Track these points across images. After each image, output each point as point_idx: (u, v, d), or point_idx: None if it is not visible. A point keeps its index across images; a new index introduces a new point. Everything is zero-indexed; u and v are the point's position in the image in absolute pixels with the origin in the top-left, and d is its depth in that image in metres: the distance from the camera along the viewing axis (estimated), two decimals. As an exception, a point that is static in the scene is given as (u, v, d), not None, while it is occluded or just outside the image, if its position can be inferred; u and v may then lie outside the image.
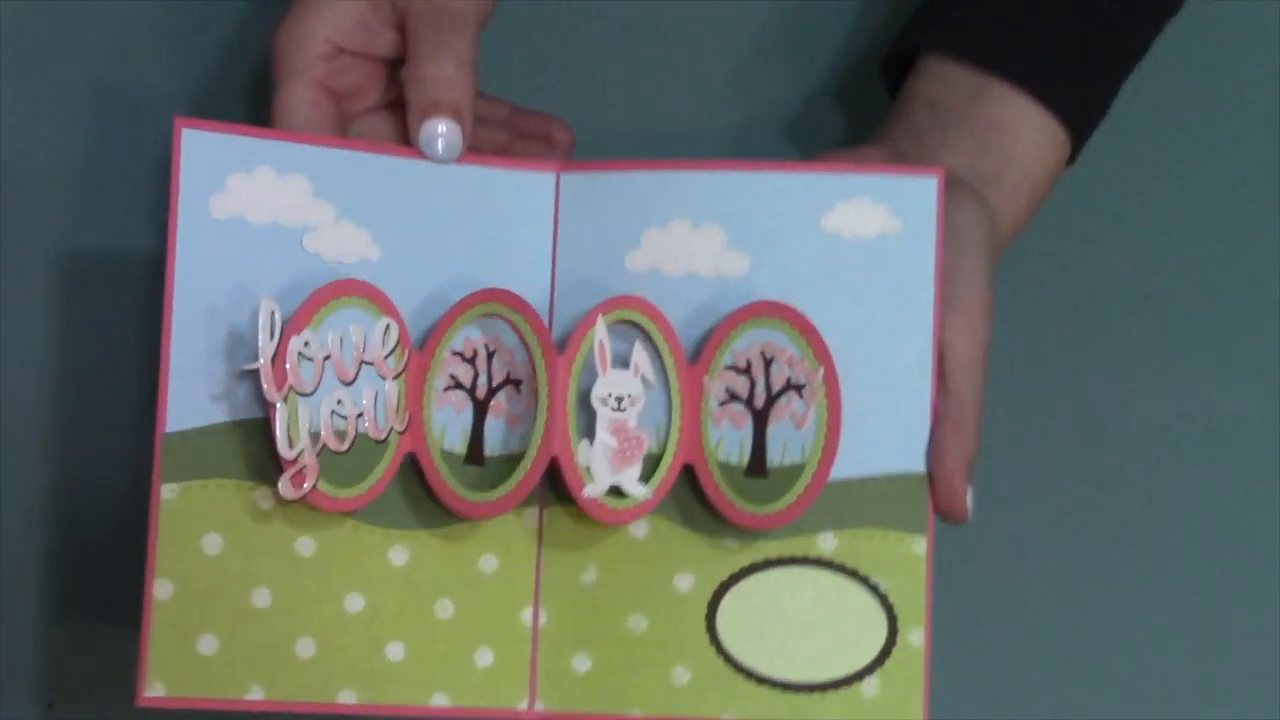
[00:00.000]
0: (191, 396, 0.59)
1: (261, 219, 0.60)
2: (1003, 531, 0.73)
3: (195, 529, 0.59)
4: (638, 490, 0.61)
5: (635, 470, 0.61)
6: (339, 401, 0.60)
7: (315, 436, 0.59)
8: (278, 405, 0.59)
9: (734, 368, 0.62)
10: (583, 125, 0.71)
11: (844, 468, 0.61)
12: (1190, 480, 0.73)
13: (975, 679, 0.73)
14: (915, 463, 0.61)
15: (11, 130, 0.74)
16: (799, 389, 0.61)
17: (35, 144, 0.74)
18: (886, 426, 0.61)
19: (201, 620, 0.59)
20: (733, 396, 0.62)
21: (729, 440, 0.62)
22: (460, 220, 0.63)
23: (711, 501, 0.61)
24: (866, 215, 0.62)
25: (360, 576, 0.61)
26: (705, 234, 0.62)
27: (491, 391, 0.62)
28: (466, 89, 0.62)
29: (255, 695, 0.60)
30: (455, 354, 0.62)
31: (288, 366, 0.59)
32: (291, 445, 0.59)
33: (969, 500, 0.61)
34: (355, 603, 0.61)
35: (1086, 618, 0.72)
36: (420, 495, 0.62)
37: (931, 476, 0.61)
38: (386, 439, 0.61)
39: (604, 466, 0.61)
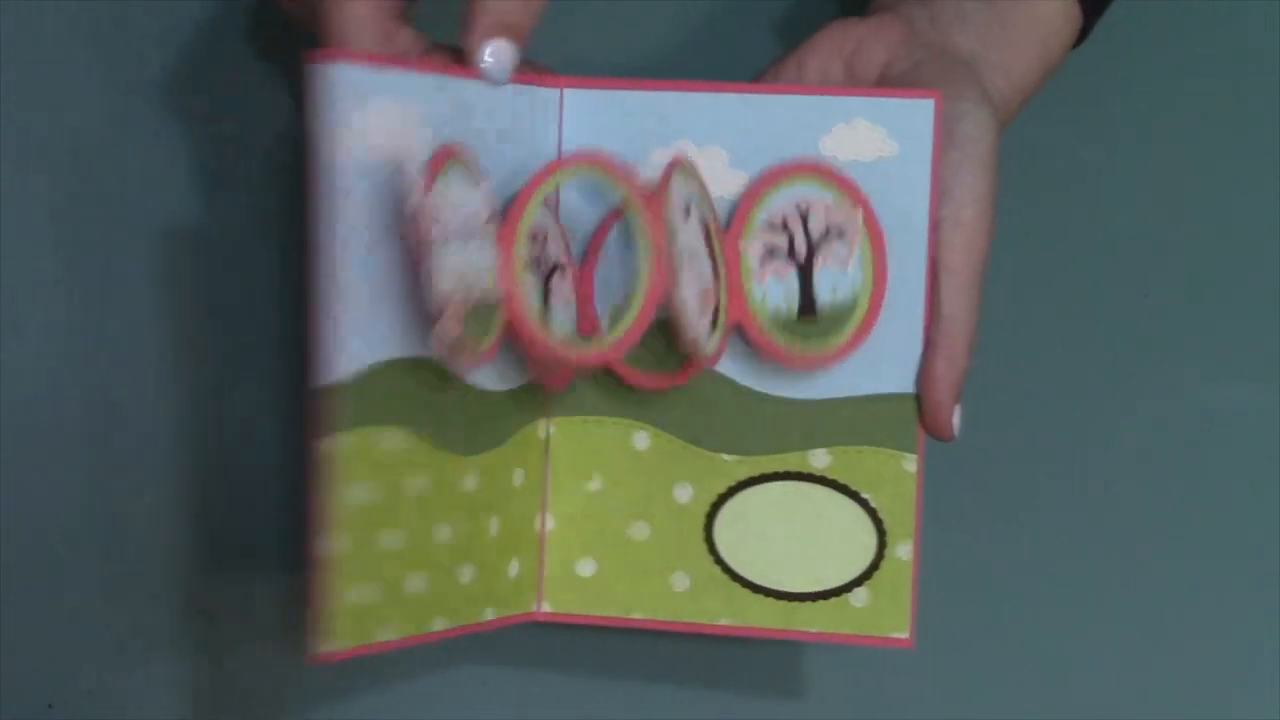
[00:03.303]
0: (353, 344, 0.57)
1: (381, 154, 0.58)
2: (998, 531, 0.73)
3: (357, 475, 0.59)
4: (710, 343, 0.62)
5: (708, 319, 0.62)
6: (465, 259, 0.58)
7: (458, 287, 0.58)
8: (434, 247, 0.57)
9: (770, 225, 0.63)
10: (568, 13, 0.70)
11: (837, 388, 0.63)
12: (1190, 480, 0.73)
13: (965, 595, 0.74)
14: (906, 384, 0.62)
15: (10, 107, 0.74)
16: (840, 233, 0.62)
17: (35, 119, 0.74)
18: (879, 349, 0.62)
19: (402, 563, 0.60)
20: (772, 253, 0.63)
21: (774, 293, 0.63)
22: (495, 140, 0.63)
23: (762, 349, 0.63)
24: (863, 138, 0.62)
25: (446, 506, 0.62)
26: (709, 155, 0.63)
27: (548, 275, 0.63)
28: (530, 12, 0.60)
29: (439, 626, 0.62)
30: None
31: (434, 216, 0.57)
32: (444, 290, 0.57)
33: (956, 422, 0.62)
34: (443, 533, 0.62)
35: (1085, 619, 0.73)
36: (475, 418, 0.63)
37: (920, 399, 0.62)
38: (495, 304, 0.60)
39: (695, 312, 0.61)
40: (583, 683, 0.73)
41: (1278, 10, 0.76)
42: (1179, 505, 0.73)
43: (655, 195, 0.61)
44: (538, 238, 0.62)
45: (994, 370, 0.73)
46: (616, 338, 0.61)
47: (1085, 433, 0.74)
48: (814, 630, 0.63)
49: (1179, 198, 0.75)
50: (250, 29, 0.74)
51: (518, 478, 0.64)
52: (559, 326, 0.62)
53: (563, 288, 0.63)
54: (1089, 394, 0.74)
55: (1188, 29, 0.76)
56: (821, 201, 0.62)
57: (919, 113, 0.61)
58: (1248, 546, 0.73)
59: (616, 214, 0.63)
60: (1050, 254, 0.75)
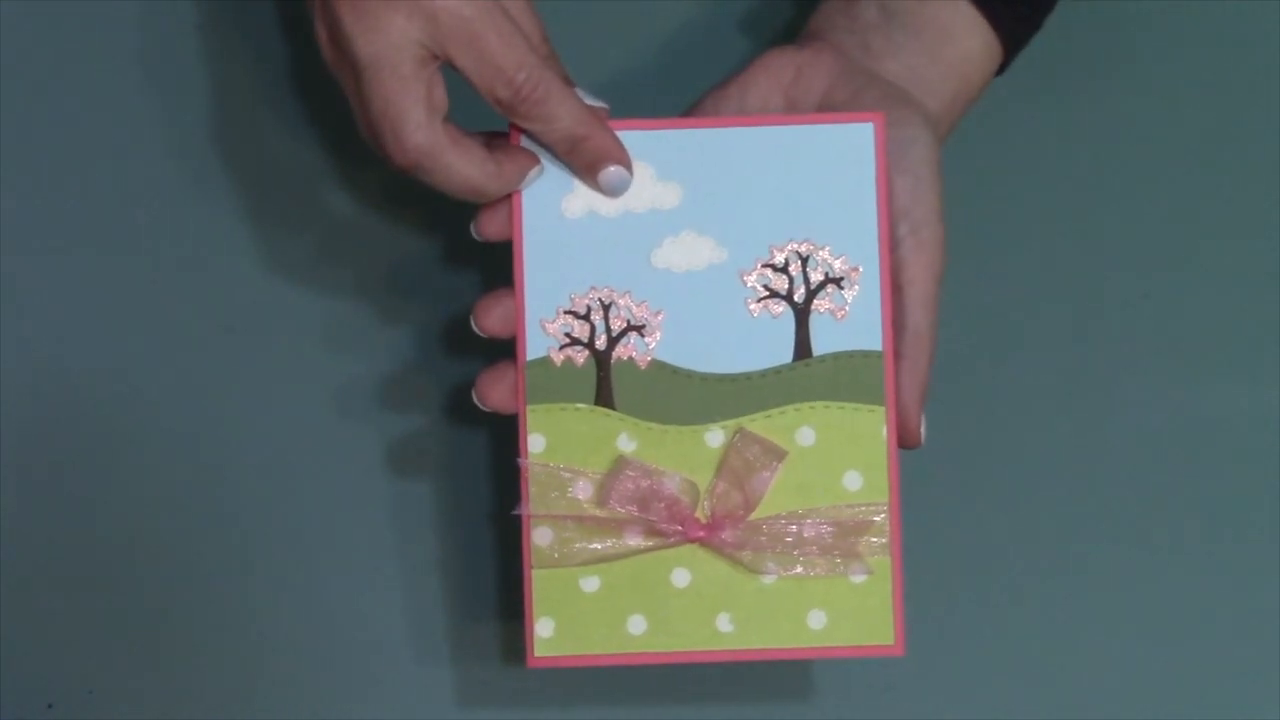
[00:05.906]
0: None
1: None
2: (1001, 531, 0.73)
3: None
4: None
5: None
6: None
7: None
8: None
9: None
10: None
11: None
12: (1190, 480, 0.73)
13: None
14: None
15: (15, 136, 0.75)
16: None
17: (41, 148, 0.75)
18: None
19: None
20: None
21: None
22: None
23: None
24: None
25: None
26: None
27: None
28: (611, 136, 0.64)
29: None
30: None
31: None
32: None
33: (923, 429, 0.64)
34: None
35: (1084, 619, 0.73)
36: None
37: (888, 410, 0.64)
38: None
39: None
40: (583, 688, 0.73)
41: (1278, 10, 0.76)
42: (1178, 506, 0.73)
43: None
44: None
45: (993, 371, 0.73)
46: None
47: (1084, 433, 0.74)
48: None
49: (1179, 197, 0.75)
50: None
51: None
52: None
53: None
54: (1088, 394, 0.74)
55: (1188, 27, 0.76)
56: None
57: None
58: (1247, 548, 0.73)
59: None
60: (1049, 254, 0.75)
